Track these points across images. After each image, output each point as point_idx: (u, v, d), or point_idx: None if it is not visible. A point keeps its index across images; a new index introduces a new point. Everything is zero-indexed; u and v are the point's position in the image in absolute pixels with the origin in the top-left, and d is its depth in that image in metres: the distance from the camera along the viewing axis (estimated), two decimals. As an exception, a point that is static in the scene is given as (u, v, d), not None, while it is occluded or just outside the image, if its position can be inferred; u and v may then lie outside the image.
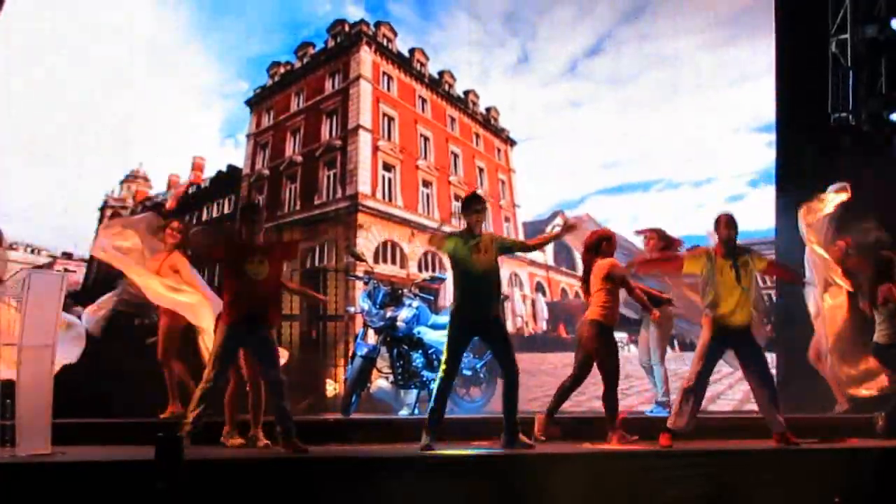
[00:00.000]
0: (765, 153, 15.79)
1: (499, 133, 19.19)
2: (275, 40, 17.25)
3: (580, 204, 16.93)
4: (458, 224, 10.15)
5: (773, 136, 15.40)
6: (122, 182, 16.71)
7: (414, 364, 11.98)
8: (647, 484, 8.86)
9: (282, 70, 18.14)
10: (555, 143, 16.87)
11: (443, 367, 9.64)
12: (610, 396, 10.27)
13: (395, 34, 18.31)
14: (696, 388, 10.11)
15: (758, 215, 15.25)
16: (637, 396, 14.03)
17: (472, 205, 9.79)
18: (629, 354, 13.46)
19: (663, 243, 12.11)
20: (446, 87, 18.97)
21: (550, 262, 18.44)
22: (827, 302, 12.04)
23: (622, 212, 16.32)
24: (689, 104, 16.37)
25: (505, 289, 16.51)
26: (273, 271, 9.44)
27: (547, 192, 17.45)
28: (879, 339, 11.19)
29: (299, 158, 17.96)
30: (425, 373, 11.93)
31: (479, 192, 17.44)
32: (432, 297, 12.04)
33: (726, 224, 10.21)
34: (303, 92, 18.39)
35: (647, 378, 12.49)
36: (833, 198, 12.11)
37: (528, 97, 17.15)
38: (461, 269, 9.66)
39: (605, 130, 16.43)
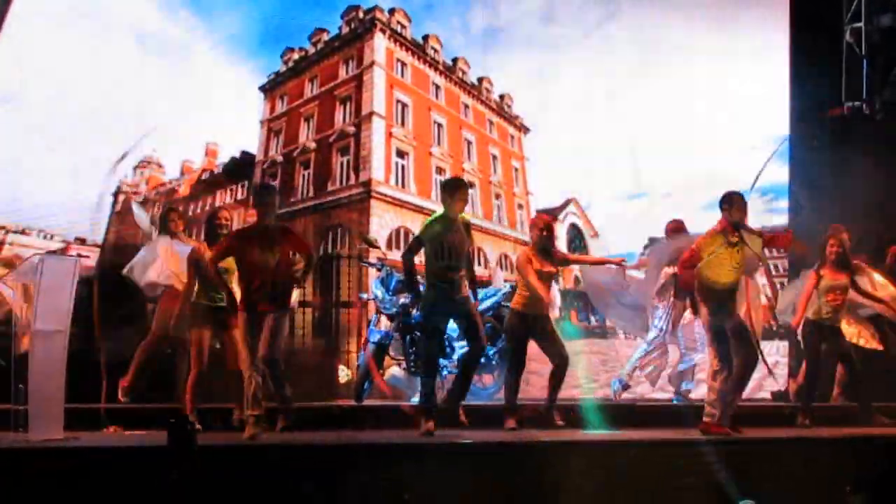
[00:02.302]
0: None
1: (512, 120, 19.17)
2: (288, 26, 17.27)
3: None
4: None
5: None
6: (135, 168, 16.72)
7: (427, 351, 11.99)
8: (663, 471, 8.87)
9: (295, 56, 18.14)
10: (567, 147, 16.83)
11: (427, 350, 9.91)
12: None
13: (410, 20, 18.29)
14: None
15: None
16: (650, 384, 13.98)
17: (460, 191, 9.88)
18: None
19: None
20: (460, 73, 18.95)
21: (564, 249, 18.43)
22: None
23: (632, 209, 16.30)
24: (701, 105, 16.30)
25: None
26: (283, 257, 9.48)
27: (559, 183, 17.44)
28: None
29: (313, 145, 17.96)
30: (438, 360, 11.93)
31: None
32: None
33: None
34: (316, 78, 18.39)
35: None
36: None
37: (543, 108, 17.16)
38: (435, 248, 9.81)
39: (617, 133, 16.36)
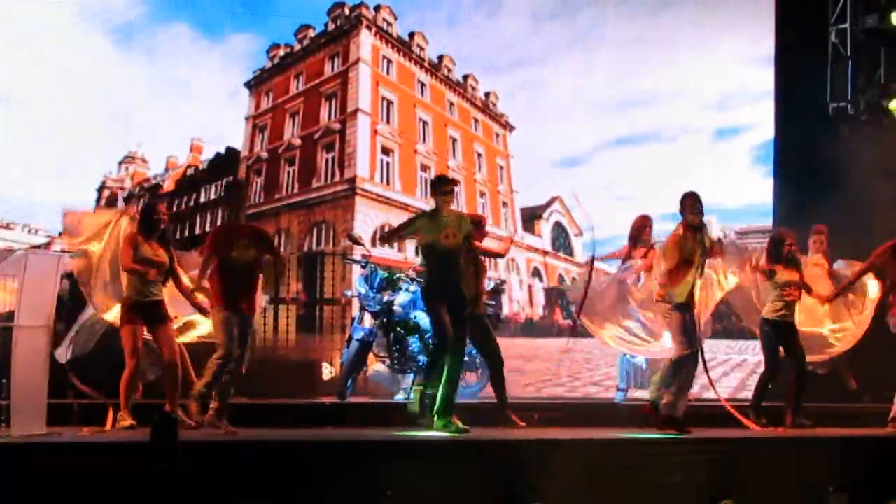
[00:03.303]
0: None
1: (497, 118, 19.16)
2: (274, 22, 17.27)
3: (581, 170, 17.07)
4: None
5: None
6: (120, 163, 16.69)
7: (410, 348, 11.99)
8: (646, 470, 8.89)
9: (281, 52, 18.11)
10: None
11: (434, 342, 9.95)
12: None
13: (396, 17, 18.28)
14: None
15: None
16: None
17: (441, 185, 9.92)
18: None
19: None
20: (445, 71, 18.95)
21: (548, 247, 18.45)
22: None
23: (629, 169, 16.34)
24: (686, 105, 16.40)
25: (502, 274, 16.51)
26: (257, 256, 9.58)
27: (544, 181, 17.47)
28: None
29: (298, 141, 17.94)
30: (422, 357, 11.93)
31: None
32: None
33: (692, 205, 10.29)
34: (302, 75, 18.36)
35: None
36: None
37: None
38: (428, 250, 9.95)
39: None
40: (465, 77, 19.05)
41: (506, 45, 17.30)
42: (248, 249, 9.49)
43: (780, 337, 11.37)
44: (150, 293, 9.75)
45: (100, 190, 16.41)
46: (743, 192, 15.96)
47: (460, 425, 9.70)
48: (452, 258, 9.98)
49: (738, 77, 16.12)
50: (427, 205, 15.05)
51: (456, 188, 10.60)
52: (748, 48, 16.04)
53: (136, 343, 9.68)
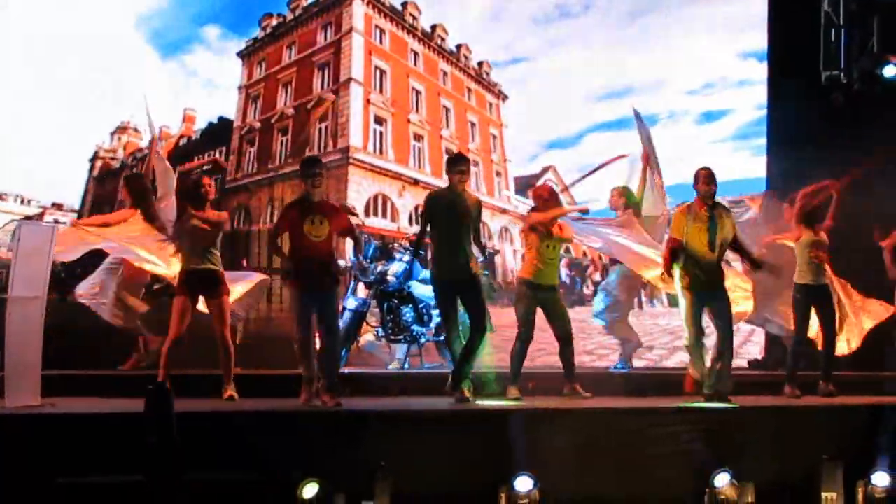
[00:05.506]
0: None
1: (491, 87, 19.14)
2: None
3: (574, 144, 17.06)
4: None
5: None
6: (112, 133, 16.66)
7: (404, 318, 11.98)
8: (640, 440, 8.90)
9: (274, 22, 18.07)
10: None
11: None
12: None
13: (389, -14, 18.28)
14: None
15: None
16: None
17: (457, 164, 9.75)
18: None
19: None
20: (439, 40, 18.91)
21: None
22: None
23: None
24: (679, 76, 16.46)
25: (496, 243, 16.52)
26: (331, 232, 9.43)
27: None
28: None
29: (291, 111, 17.92)
30: (415, 327, 11.95)
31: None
32: (423, 252, 12.01)
33: (706, 179, 10.10)
34: (295, 44, 18.33)
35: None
36: None
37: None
38: (440, 227, 9.71)
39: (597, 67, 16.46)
40: (459, 46, 19.03)
41: (503, 45, 17.33)
42: (321, 225, 9.33)
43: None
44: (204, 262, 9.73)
45: (92, 160, 16.39)
46: (731, 170, 16.03)
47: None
48: (462, 238, 9.67)
49: (724, 61, 16.22)
50: (419, 174, 15.03)
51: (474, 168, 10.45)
52: (741, 16, 16.05)
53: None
